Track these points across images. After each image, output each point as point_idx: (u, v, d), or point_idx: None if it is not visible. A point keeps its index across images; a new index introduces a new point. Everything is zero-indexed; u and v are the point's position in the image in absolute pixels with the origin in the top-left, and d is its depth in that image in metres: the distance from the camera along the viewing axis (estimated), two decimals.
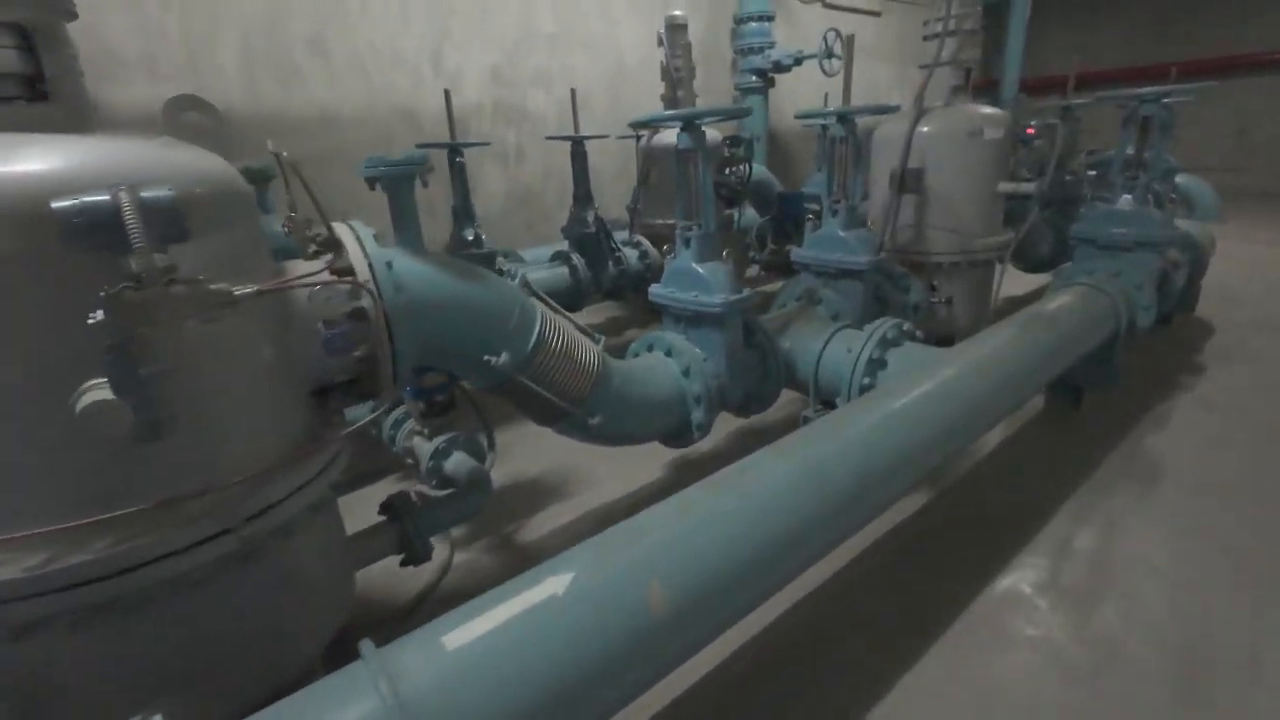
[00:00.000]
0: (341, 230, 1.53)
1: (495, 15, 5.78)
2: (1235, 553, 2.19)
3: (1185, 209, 7.81)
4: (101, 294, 0.96)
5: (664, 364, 2.36)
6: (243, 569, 1.31)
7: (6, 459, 1.08)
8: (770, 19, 6.99)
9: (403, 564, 1.90)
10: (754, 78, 7.03)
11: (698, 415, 2.33)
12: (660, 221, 4.97)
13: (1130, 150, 3.14)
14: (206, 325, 1.08)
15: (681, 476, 2.92)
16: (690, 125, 2.28)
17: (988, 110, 3.34)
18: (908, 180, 3.33)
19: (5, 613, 1.09)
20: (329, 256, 1.53)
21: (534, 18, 6.04)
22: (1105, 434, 3.02)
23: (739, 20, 7.01)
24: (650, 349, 2.47)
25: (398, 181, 1.62)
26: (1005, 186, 3.29)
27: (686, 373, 2.32)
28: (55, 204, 0.96)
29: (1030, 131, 4.07)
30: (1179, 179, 6.87)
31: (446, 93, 3.79)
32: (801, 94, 7.84)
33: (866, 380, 2.34)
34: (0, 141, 1.07)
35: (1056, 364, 2.58)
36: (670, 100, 5.01)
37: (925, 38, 3.39)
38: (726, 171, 4.95)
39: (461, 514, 2.05)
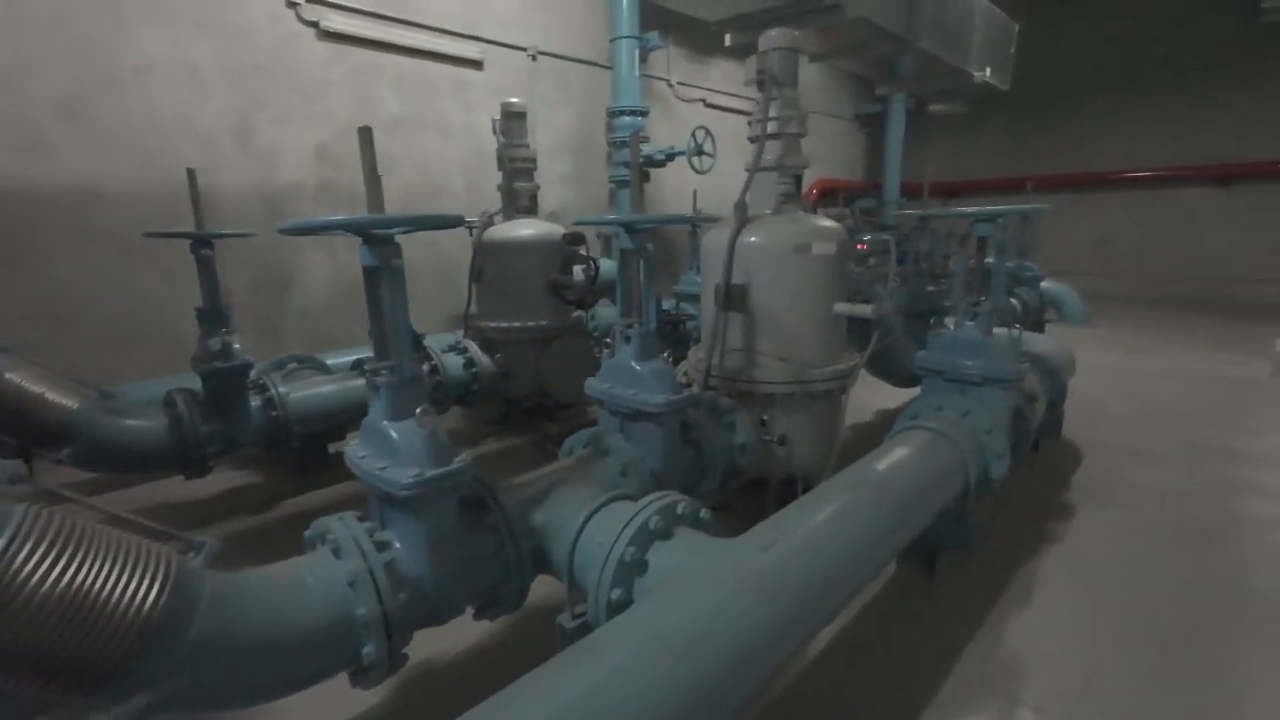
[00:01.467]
0: None
1: (322, 90, 5.21)
2: None
3: (1055, 313, 8.04)
4: None
5: (323, 571, 1.59)
6: None
7: None
8: (644, 114, 6.80)
9: None
10: (627, 171, 6.72)
11: (370, 650, 1.56)
12: (493, 324, 4.34)
13: (971, 265, 2.78)
14: None
15: (420, 693, 2.11)
16: (370, 236, 1.64)
17: (821, 223, 2.93)
18: (733, 297, 2.84)
19: None
20: None
21: (373, 97, 5.51)
22: (962, 615, 2.46)
23: (611, 113, 6.77)
24: (324, 541, 1.71)
25: None
26: (841, 308, 2.84)
27: (353, 584, 1.57)
28: None
29: (861, 247, 3.73)
30: (1046, 285, 7.02)
31: (190, 172, 3.08)
32: (684, 189, 7.64)
33: (616, 593, 1.65)
34: None
35: (887, 547, 2.00)
36: (506, 191, 4.51)
37: (750, 139, 3.00)
38: (572, 270, 4.44)
39: None
